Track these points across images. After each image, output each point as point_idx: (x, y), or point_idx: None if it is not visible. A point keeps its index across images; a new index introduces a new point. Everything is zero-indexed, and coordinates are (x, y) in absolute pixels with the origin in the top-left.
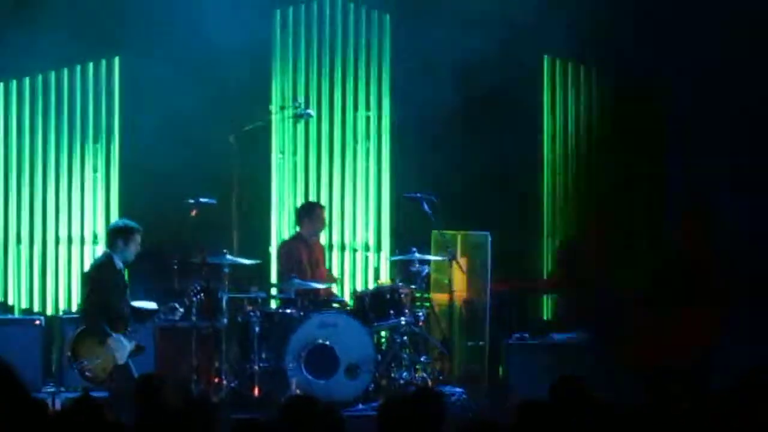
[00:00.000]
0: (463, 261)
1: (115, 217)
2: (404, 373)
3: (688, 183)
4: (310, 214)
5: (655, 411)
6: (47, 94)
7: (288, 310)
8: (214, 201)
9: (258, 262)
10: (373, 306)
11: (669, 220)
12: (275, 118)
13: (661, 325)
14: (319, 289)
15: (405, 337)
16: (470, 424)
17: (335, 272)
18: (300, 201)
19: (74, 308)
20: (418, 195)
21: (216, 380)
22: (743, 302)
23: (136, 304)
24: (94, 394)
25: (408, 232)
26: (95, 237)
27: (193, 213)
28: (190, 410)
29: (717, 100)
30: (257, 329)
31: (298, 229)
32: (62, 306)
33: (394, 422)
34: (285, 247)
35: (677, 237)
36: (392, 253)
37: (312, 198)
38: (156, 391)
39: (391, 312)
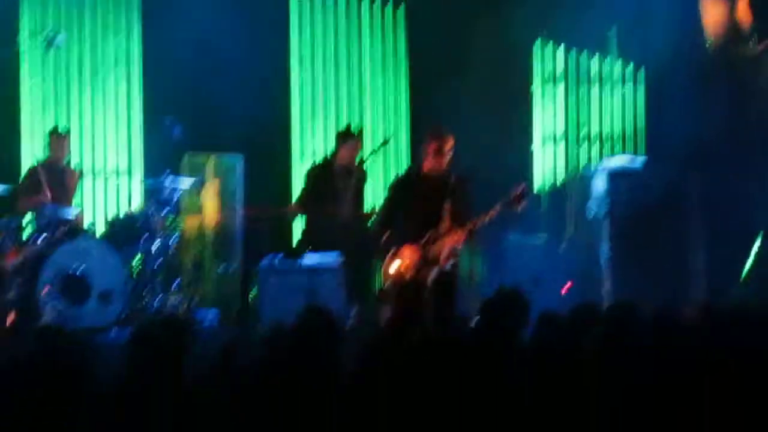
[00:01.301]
0: (215, 184)
1: None
2: (157, 298)
3: (436, 105)
4: (49, 141)
5: (398, 329)
6: None
7: (40, 238)
8: None
9: (10, 188)
10: (124, 232)
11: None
12: (25, 45)
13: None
14: (69, 218)
15: (158, 262)
16: (220, 349)
17: (88, 198)
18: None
19: None
20: (169, 118)
21: None
22: None
23: None
24: None
25: (159, 156)
26: None
27: None
28: None
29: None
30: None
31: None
32: None
33: (145, 349)
34: (29, 173)
35: (420, 158)
36: (144, 177)
37: (63, 123)
38: None
39: (143, 237)
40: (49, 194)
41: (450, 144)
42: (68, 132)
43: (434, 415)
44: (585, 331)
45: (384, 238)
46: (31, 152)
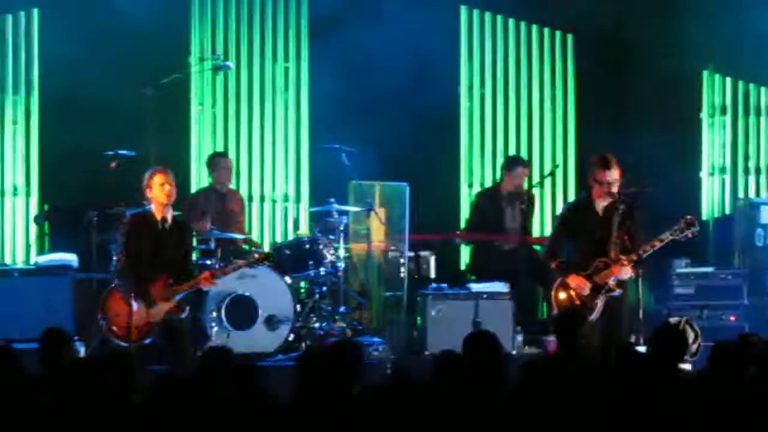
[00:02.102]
0: (381, 211)
1: (35, 169)
2: (323, 324)
3: (603, 133)
4: (211, 165)
5: (566, 360)
6: None
7: (207, 261)
8: (133, 153)
9: (177, 213)
10: (292, 257)
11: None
12: (194, 69)
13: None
14: (237, 240)
15: (324, 288)
16: (388, 375)
17: (255, 223)
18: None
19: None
20: (336, 146)
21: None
22: None
23: (55, 256)
24: None
25: (326, 183)
26: (15, 189)
27: (112, 165)
28: (108, 362)
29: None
30: None
31: (209, 180)
32: None
33: (314, 373)
34: (188, 199)
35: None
36: (311, 204)
37: (231, 150)
38: (60, 345)
39: (310, 263)
40: (206, 222)
41: (618, 173)
42: (223, 155)
43: None
44: (751, 361)
45: (553, 265)
46: (199, 178)
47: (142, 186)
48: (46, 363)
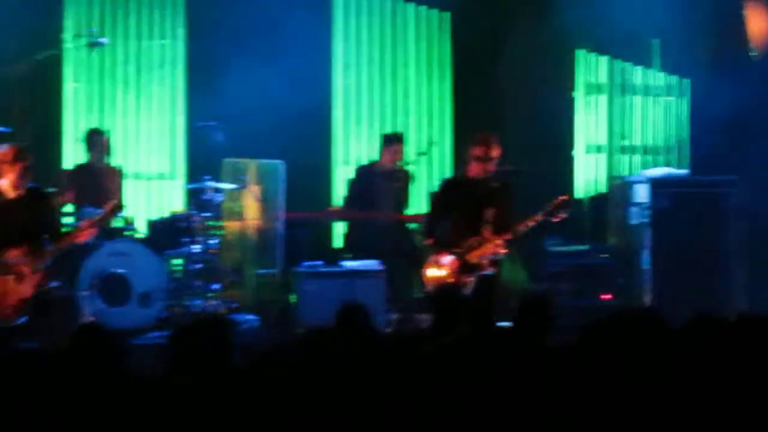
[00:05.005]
0: (256, 189)
1: None
2: (197, 301)
3: (479, 112)
4: (87, 142)
5: (438, 334)
6: None
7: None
8: (8, 129)
9: (52, 190)
10: (166, 234)
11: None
12: (69, 46)
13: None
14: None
15: (197, 265)
16: (261, 351)
17: (130, 200)
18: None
19: None
20: (211, 124)
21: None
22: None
23: None
24: None
25: (202, 160)
26: None
27: None
28: None
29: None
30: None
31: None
32: None
33: (183, 350)
34: (62, 172)
35: (464, 163)
36: (186, 181)
37: (106, 127)
38: None
39: (184, 240)
40: (70, 196)
41: (496, 151)
42: (104, 132)
43: (466, 417)
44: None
45: (428, 243)
46: (74, 155)
47: None
48: None
